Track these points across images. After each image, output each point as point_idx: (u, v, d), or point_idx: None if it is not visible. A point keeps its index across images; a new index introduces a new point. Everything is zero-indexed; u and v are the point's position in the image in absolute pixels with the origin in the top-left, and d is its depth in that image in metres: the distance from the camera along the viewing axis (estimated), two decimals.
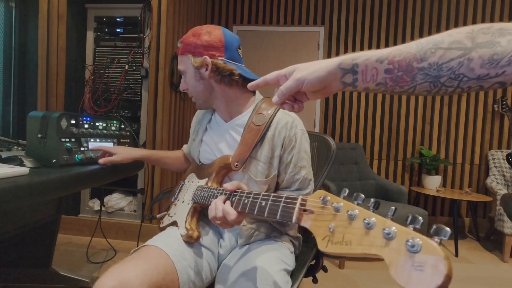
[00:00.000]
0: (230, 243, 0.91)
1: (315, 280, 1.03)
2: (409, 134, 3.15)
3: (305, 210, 0.48)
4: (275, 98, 0.56)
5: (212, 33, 0.88)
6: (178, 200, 0.97)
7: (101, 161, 1.03)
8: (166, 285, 0.71)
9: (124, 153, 1.05)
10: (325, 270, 1.04)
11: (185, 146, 1.17)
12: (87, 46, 2.41)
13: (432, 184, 2.86)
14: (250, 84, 0.61)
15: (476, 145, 3.08)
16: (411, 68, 0.45)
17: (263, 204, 0.58)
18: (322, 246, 0.42)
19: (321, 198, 0.46)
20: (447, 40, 0.43)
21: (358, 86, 0.50)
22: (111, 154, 1.05)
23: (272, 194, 0.58)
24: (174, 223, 0.91)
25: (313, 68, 0.51)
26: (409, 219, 0.36)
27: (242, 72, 0.89)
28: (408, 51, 0.45)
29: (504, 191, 2.59)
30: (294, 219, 0.49)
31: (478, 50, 0.40)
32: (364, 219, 0.38)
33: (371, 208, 0.41)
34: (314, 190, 0.99)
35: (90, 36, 2.42)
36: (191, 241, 0.83)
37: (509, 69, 0.39)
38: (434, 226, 0.34)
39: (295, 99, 0.56)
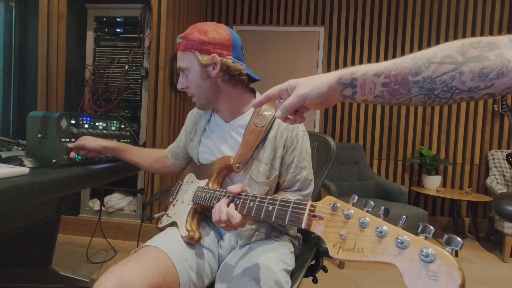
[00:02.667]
0: (230, 243, 0.91)
1: (315, 280, 1.03)
2: (409, 134, 3.15)
3: (314, 216, 0.49)
4: (278, 113, 0.57)
5: (219, 31, 0.87)
6: (177, 201, 0.97)
7: (71, 145, 1.03)
8: (167, 285, 0.71)
9: (91, 139, 1.06)
10: (325, 270, 1.04)
11: (171, 147, 1.12)
12: (87, 46, 2.41)
13: (432, 184, 2.86)
14: (254, 103, 0.64)
15: (476, 145, 3.08)
16: (406, 81, 0.48)
17: (270, 208, 0.59)
18: (333, 252, 0.43)
19: (331, 205, 0.46)
20: (439, 54, 0.45)
21: (357, 99, 0.53)
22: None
23: (280, 198, 0.59)
24: (174, 224, 0.90)
25: (314, 84, 0.54)
26: (420, 228, 0.37)
27: (249, 73, 0.90)
28: (403, 65, 0.48)
29: (504, 191, 2.59)
30: (303, 225, 0.50)
31: (468, 64, 0.43)
32: (376, 228, 0.39)
33: (381, 215, 0.41)
34: (314, 190, 0.99)
35: (90, 36, 2.42)
36: (192, 242, 0.82)
37: (497, 82, 0.42)
38: (446, 236, 0.34)
39: (296, 110, 0.59)
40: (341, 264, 2.08)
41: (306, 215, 0.50)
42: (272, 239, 0.91)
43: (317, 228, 0.47)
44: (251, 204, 0.64)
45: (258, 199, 0.63)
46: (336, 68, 3.20)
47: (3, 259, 1.53)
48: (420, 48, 3.10)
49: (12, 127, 2.38)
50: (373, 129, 3.20)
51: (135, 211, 2.39)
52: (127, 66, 2.32)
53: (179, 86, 0.92)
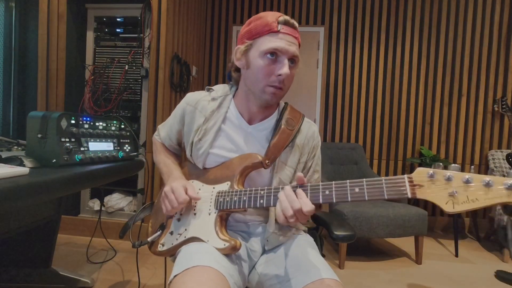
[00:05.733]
0: (259, 249, 0.89)
1: None
2: (409, 134, 3.15)
3: (415, 185, 0.56)
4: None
5: None
6: (181, 214, 0.86)
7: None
8: None
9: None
10: None
11: (164, 136, 1.01)
12: (87, 46, 2.41)
13: None
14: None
15: (476, 145, 3.08)
16: None
17: (357, 190, 0.62)
18: (448, 208, 0.53)
19: (428, 174, 0.55)
20: None
21: None
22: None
23: (364, 180, 0.62)
24: (190, 240, 0.80)
25: None
26: None
27: None
28: None
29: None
30: (409, 194, 0.56)
31: None
32: (481, 181, 0.51)
33: (472, 172, 0.54)
34: None
35: (90, 36, 2.42)
36: (234, 252, 0.75)
37: None
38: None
39: None
40: (341, 264, 2.08)
41: (408, 185, 0.57)
42: (295, 235, 0.92)
43: (423, 194, 0.56)
44: (327, 192, 0.64)
45: (333, 185, 0.64)
46: (336, 68, 3.21)
47: (3, 259, 1.53)
48: (420, 48, 3.11)
49: (12, 127, 2.38)
50: (373, 129, 3.20)
51: (135, 211, 2.39)
52: (127, 66, 2.32)
53: (288, 72, 0.78)
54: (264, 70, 0.78)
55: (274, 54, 0.77)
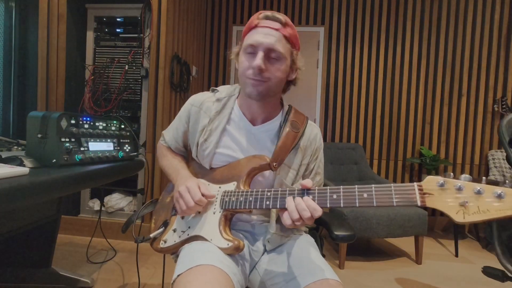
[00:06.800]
0: (260, 248, 0.89)
1: None
2: (409, 134, 3.15)
3: (424, 194, 0.56)
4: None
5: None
6: None
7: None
8: None
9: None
10: None
11: (170, 139, 1.01)
12: (87, 46, 2.41)
13: None
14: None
15: (476, 145, 3.08)
16: None
17: (365, 195, 0.61)
18: (459, 218, 0.52)
19: (438, 183, 0.55)
20: None
21: None
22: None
23: (373, 185, 0.61)
24: (192, 239, 0.80)
25: None
26: None
27: None
28: None
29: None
30: (419, 202, 0.56)
31: None
32: (493, 192, 0.50)
33: (484, 183, 0.53)
34: None
35: (90, 36, 2.42)
36: (237, 252, 0.75)
37: None
38: None
39: None
40: (341, 264, 2.08)
41: (417, 194, 0.56)
42: (296, 235, 0.92)
43: (433, 203, 0.55)
44: (335, 196, 0.64)
45: (341, 190, 0.64)
46: (336, 68, 3.21)
47: (3, 259, 1.53)
48: (420, 48, 3.11)
49: (12, 127, 2.38)
50: (373, 129, 3.20)
51: (135, 211, 2.39)
52: (127, 66, 2.32)
53: (259, 64, 0.76)
54: (244, 65, 0.81)
55: (252, 48, 0.79)
